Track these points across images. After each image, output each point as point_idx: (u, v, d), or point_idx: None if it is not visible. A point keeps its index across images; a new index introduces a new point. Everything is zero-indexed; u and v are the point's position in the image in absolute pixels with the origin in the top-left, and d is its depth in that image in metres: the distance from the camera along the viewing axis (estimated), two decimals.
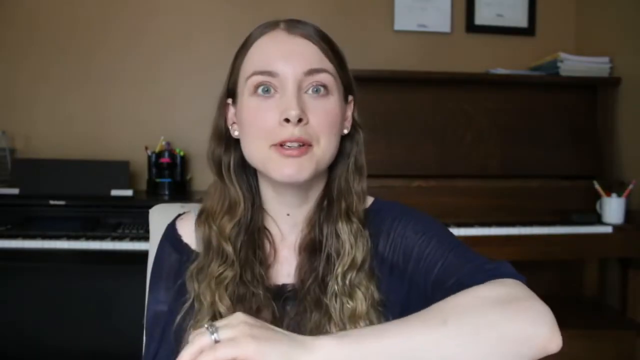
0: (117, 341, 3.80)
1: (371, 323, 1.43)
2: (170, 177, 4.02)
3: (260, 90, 1.44)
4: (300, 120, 1.41)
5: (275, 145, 1.42)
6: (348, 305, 1.45)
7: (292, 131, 1.41)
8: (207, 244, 1.51)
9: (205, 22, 4.38)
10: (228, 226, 1.50)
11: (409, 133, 3.78)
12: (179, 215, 1.63)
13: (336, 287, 1.46)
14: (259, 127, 1.44)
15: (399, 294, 1.47)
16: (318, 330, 1.44)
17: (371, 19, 4.48)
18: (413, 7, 4.48)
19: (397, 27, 4.48)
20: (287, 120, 1.40)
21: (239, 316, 1.16)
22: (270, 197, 1.55)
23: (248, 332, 1.12)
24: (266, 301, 1.45)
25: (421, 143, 3.78)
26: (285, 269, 1.53)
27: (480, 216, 3.73)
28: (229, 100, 1.53)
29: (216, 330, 1.12)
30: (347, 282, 1.46)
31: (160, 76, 4.36)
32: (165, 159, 4.03)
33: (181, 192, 4.02)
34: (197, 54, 4.36)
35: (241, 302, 1.44)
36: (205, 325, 1.12)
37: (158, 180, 4.01)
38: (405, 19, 4.48)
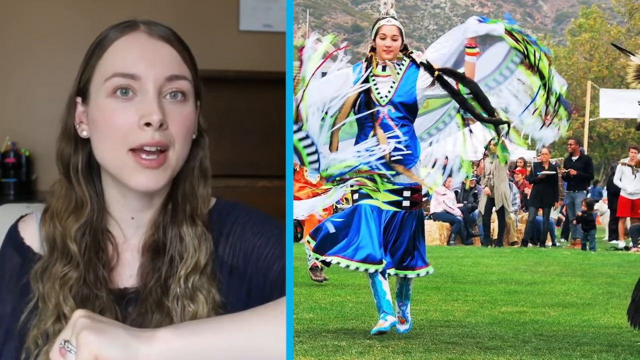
0: None
1: None
2: (15, 177, 3.98)
3: (119, 92, 1.43)
4: (161, 125, 1.42)
5: (133, 150, 1.42)
6: (189, 309, 1.48)
7: (152, 135, 1.42)
8: (51, 243, 1.49)
9: (49, 25, 4.26)
10: (74, 227, 1.49)
11: (254, 133, 3.80)
12: (22, 217, 1.60)
13: (178, 290, 1.47)
14: (115, 129, 1.43)
15: (239, 296, 1.50)
16: None
17: (216, 19, 4.47)
18: (258, 7, 4.50)
19: (242, 27, 4.49)
20: (147, 124, 1.41)
21: (79, 312, 1.21)
22: (114, 201, 1.54)
23: (88, 326, 1.17)
24: (109, 303, 1.47)
25: (266, 143, 3.80)
26: (127, 272, 1.53)
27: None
28: (79, 99, 1.51)
29: (69, 344, 1.18)
30: (190, 285, 1.48)
31: (4, 77, 4.22)
32: (11, 159, 3.98)
33: (27, 192, 3.98)
34: (43, 56, 4.23)
35: (85, 304, 1.44)
36: (60, 345, 1.19)
37: (3, 180, 3.97)
38: (250, 19, 4.50)
